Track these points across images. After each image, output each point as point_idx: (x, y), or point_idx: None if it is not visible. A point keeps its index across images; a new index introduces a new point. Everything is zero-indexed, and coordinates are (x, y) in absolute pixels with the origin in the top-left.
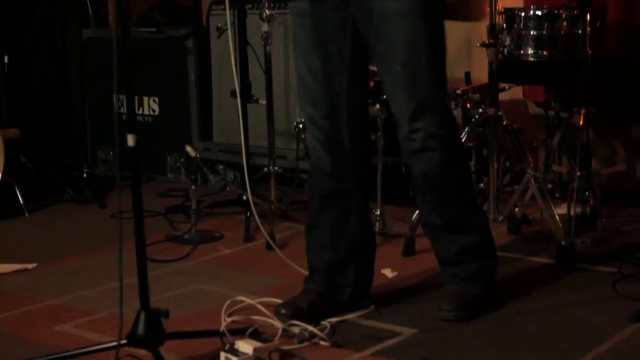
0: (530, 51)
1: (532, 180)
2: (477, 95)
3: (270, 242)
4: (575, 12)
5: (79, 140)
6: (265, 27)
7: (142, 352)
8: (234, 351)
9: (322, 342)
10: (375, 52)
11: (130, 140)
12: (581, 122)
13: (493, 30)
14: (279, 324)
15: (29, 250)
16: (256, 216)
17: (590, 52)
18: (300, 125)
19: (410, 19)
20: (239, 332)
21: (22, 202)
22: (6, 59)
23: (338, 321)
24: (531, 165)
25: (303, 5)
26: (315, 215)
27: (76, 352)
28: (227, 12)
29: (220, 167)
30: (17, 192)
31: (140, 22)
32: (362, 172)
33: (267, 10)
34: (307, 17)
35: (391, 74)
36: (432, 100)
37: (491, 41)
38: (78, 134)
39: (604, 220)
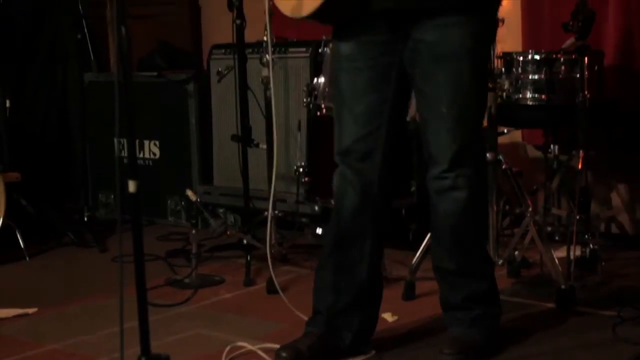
0: (529, 95)
1: (532, 224)
2: None
3: (278, 288)
4: (573, 57)
5: (80, 183)
6: (265, 72)
7: None
8: None
9: None
10: (420, 91)
11: (132, 186)
12: (580, 166)
13: (492, 75)
14: None
15: (29, 294)
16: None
17: (588, 95)
18: (300, 170)
19: (460, 62)
20: None
21: (22, 246)
22: (8, 103)
23: None
24: (530, 209)
25: (348, 49)
26: (327, 256)
27: None
28: None
29: (221, 210)
30: (18, 235)
31: (141, 66)
32: (384, 218)
33: (267, 56)
34: (352, 62)
35: (436, 115)
36: (474, 142)
37: (490, 85)
38: (79, 177)
39: (603, 263)
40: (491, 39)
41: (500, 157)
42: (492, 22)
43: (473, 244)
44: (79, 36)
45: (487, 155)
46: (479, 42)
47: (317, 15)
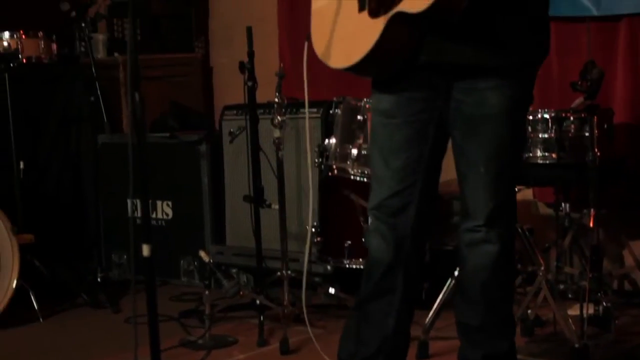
0: (539, 153)
1: (544, 282)
2: None
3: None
4: (583, 115)
5: (93, 244)
6: (277, 133)
7: None
8: None
9: None
10: (460, 149)
11: (146, 250)
12: (591, 224)
13: None
14: None
15: (43, 356)
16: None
17: (598, 153)
18: (313, 230)
19: (499, 124)
20: None
21: (36, 308)
22: (22, 165)
23: None
24: (543, 267)
25: (387, 105)
26: (357, 307)
27: None
28: None
29: (234, 270)
30: (32, 297)
31: (153, 127)
32: (416, 273)
33: (278, 117)
34: (390, 117)
35: (475, 174)
36: (509, 200)
37: None
38: (92, 238)
39: (617, 321)
40: (529, 102)
41: None
42: (531, 86)
43: (500, 301)
44: (92, 98)
45: None
46: (518, 106)
47: (357, 68)
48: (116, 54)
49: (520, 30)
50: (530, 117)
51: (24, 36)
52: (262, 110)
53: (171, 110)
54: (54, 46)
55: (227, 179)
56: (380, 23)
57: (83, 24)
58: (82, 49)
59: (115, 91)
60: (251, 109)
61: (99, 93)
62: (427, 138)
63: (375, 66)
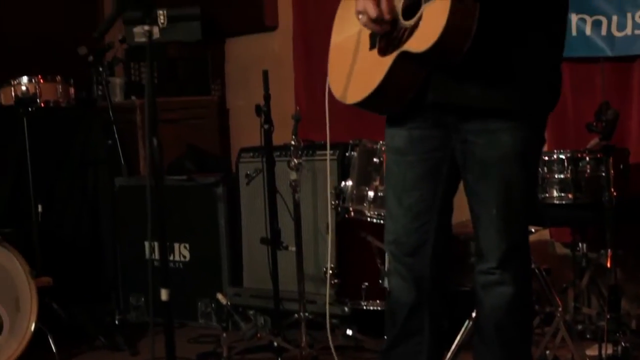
0: (555, 194)
1: (562, 323)
2: None
3: None
4: (599, 155)
5: (111, 286)
6: (293, 175)
7: None
8: None
9: None
10: (472, 190)
11: (164, 294)
12: (609, 264)
13: None
14: None
15: None
16: None
17: (615, 194)
18: (330, 271)
19: (511, 166)
20: None
21: (54, 351)
22: (40, 208)
23: None
24: (560, 308)
25: (401, 143)
26: (386, 351)
27: None
28: None
29: (251, 312)
30: (50, 340)
31: (171, 170)
32: (440, 311)
33: (295, 159)
34: (403, 155)
35: (487, 215)
36: (522, 243)
37: None
38: (110, 280)
39: None
40: (541, 143)
41: None
42: (542, 127)
43: (517, 342)
44: (110, 142)
45: None
46: (530, 147)
47: (365, 104)
48: (133, 97)
49: (532, 72)
50: (546, 158)
51: (42, 80)
52: (278, 153)
53: (188, 152)
54: (72, 90)
55: (244, 221)
56: (388, 61)
57: (100, 68)
58: (100, 92)
59: (133, 134)
60: (268, 151)
61: (116, 136)
62: (440, 176)
63: (382, 103)
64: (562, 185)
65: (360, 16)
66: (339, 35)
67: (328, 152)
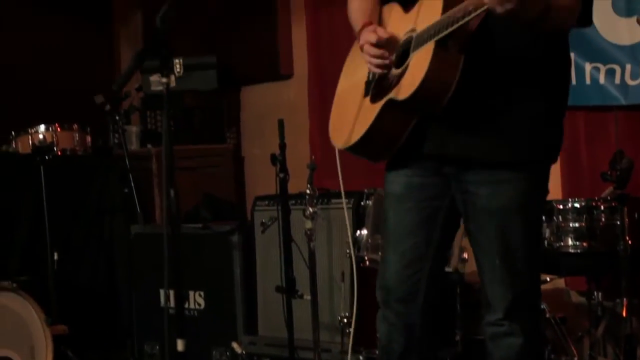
0: (570, 242)
1: None
2: None
3: None
4: (613, 204)
5: (126, 334)
6: (308, 224)
7: None
8: None
9: None
10: (475, 240)
11: (180, 345)
12: (624, 313)
13: None
14: None
15: None
16: None
17: (630, 242)
18: (345, 320)
19: (512, 217)
20: None
21: None
22: (56, 256)
23: None
24: (576, 357)
25: (399, 189)
26: None
27: None
28: None
29: None
30: None
31: (186, 218)
32: (429, 356)
33: (310, 208)
34: (401, 202)
35: (490, 266)
36: (528, 293)
37: None
38: (125, 328)
39: None
40: (544, 193)
41: (544, 305)
42: (545, 178)
43: None
44: (126, 190)
45: None
46: (533, 198)
47: (355, 149)
48: (149, 145)
49: (531, 125)
50: (561, 206)
51: (59, 129)
52: (293, 201)
53: (204, 200)
54: (89, 138)
55: (259, 269)
56: (376, 108)
57: (117, 116)
58: (116, 140)
59: (148, 182)
60: (283, 200)
61: (132, 184)
62: (436, 225)
63: (371, 149)
64: (577, 234)
65: (365, 47)
66: (344, 81)
67: (344, 200)
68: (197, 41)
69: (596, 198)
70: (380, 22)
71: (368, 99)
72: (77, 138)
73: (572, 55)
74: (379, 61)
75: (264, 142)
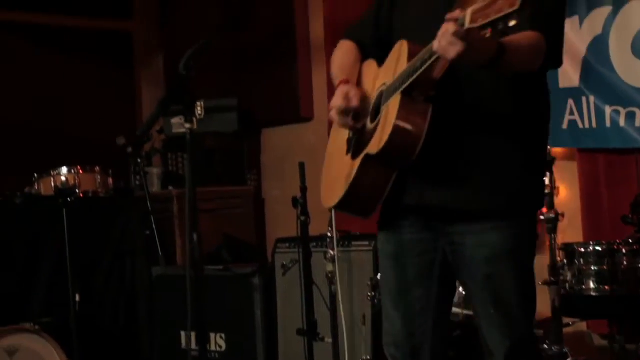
0: (592, 286)
1: None
2: (541, 331)
3: None
4: (635, 247)
5: None
6: (330, 266)
7: None
8: None
9: None
10: (467, 289)
11: None
12: None
13: (554, 269)
14: None
15: None
16: None
17: None
18: None
19: (503, 264)
20: None
21: None
22: (78, 297)
23: None
24: None
25: (392, 248)
26: None
27: None
28: None
29: None
30: None
31: (207, 260)
32: None
33: (331, 251)
34: (395, 259)
35: (486, 315)
36: (526, 337)
37: (552, 279)
38: None
39: None
40: (532, 238)
41: (566, 350)
42: (531, 223)
43: None
44: (147, 232)
45: (553, 348)
46: (521, 245)
47: (340, 207)
48: (170, 187)
49: (505, 173)
50: (582, 250)
51: (81, 171)
52: (314, 244)
53: (225, 242)
54: (110, 180)
55: (280, 312)
56: (357, 164)
57: (138, 158)
58: (137, 182)
59: (170, 223)
60: (304, 243)
61: (154, 226)
62: (433, 278)
63: (356, 205)
64: (599, 277)
65: (331, 112)
66: (332, 140)
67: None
68: (218, 83)
69: (618, 241)
70: (360, 78)
71: (350, 156)
72: (99, 180)
73: (592, 98)
74: (344, 124)
75: (284, 184)
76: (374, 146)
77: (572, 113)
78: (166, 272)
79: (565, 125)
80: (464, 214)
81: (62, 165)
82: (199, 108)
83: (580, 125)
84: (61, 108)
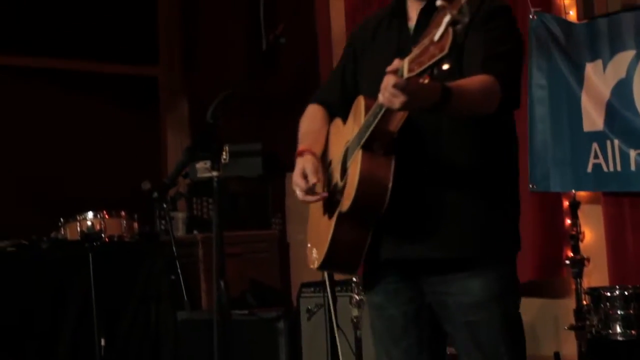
0: (618, 330)
1: None
2: None
3: None
4: None
5: None
6: (355, 311)
7: None
8: None
9: None
10: (453, 340)
11: None
12: None
13: (580, 313)
14: None
15: None
16: None
17: None
18: None
19: (486, 312)
20: None
21: None
22: (103, 342)
23: None
24: None
25: (378, 299)
26: None
27: None
28: None
29: None
30: None
31: (232, 304)
32: None
33: (356, 296)
34: (383, 310)
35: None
36: None
37: (578, 324)
38: None
39: None
40: (514, 280)
41: None
42: (510, 267)
43: None
44: (172, 277)
45: None
46: (502, 288)
47: (325, 267)
48: (195, 232)
49: (474, 221)
50: (608, 294)
51: (107, 216)
52: (339, 288)
53: (250, 287)
54: (136, 225)
55: (305, 356)
56: (332, 223)
57: (164, 203)
58: (163, 226)
59: (194, 268)
60: (329, 288)
61: (179, 271)
62: (422, 324)
63: (338, 264)
64: (626, 322)
65: (297, 192)
66: (312, 204)
67: None
68: (242, 127)
69: None
70: (328, 138)
71: (327, 215)
72: (125, 225)
73: (617, 142)
74: (311, 198)
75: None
76: (344, 204)
77: (596, 157)
78: (191, 316)
79: (589, 169)
80: (439, 264)
81: (88, 210)
82: (223, 153)
83: (605, 169)
84: (87, 152)
